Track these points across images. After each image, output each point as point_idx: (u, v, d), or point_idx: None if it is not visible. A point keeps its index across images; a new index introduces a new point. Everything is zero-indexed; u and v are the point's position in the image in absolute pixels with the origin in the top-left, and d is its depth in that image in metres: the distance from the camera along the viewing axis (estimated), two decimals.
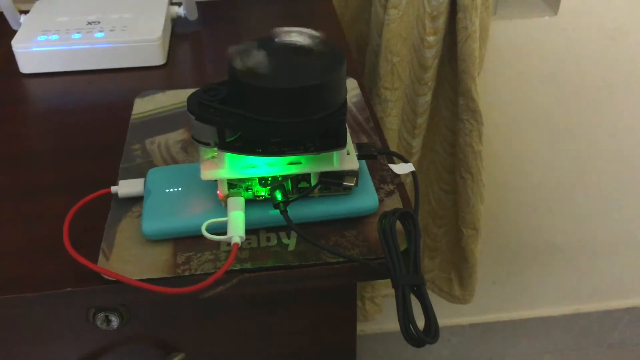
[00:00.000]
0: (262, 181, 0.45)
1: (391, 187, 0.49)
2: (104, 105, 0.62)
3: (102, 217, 0.47)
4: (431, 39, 0.84)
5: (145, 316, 0.52)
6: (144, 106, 0.60)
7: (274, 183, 0.45)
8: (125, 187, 0.48)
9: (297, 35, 0.44)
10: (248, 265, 0.43)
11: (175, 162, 0.53)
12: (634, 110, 1.06)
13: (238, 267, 0.43)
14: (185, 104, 0.43)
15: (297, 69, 0.42)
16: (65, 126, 0.59)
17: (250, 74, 0.41)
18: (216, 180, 0.46)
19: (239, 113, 0.42)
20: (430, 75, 0.87)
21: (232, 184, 0.45)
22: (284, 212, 0.44)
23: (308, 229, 0.46)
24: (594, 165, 1.13)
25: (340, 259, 0.44)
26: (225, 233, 0.43)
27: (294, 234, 0.46)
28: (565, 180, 1.14)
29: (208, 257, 0.44)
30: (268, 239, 0.45)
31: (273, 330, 0.55)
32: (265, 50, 0.43)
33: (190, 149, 0.54)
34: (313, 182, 0.45)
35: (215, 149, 0.44)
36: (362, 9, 0.89)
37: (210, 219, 0.44)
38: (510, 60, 0.98)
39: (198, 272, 0.43)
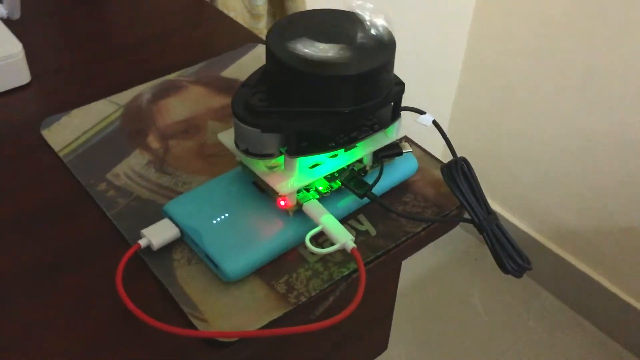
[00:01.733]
0: (329, 177, 0.41)
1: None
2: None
3: (131, 281, 0.38)
4: None
5: None
6: (61, 137, 0.49)
7: (343, 174, 0.42)
8: (157, 236, 0.40)
9: (332, 13, 0.40)
10: (353, 266, 0.40)
11: (162, 187, 0.45)
12: None
13: (346, 271, 0.40)
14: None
15: (359, 51, 0.38)
16: None
17: (315, 64, 0.37)
18: (264, 192, 0.41)
19: (310, 111, 0.37)
20: (263, 24, 0.84)
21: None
22: (371, 195, 0.41)
23: (367, 209, 0.44)
24: None
25: (424, 224, 0.43)
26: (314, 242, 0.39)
27: (364, 220, 0.43)
28: None
29: (305, 274, 0.40)
30: None
31: None
32: (311, 33, 0.39)
33: (166, 167, 0.46)
34: (366, 161, 0.43)
35: (274, 159, 0.39)
36: None
37: (287, 234, 0.40)
38: None
39: (313, 294, 0.39)
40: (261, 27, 0.83)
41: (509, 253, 0.44)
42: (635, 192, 1.19)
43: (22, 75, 0.54)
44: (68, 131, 0.49)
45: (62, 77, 0.56)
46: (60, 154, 0.47)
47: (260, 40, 0.61)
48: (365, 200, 0.43)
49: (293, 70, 0.37)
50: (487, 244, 0.44)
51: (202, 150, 0.48)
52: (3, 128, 0.50)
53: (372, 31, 0.39)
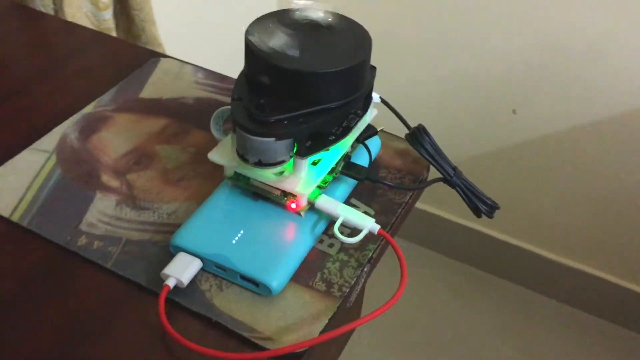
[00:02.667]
0: (331, 170, 0.43)
1: None
2: None
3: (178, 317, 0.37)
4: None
5: None
6: (3, 202, 0.43)
7: (339, 164, 0.43)
8: (182, 272, 0.38)
9: (310, 12, 0.41)
10: (372, 247, 0.42)
11: (148, 223, 0.43)
12: None
13: (369, 253, 0.42)
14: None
15: (342, 46, 0.40)
16: None
17: (313, 64, 0.38)
18: (267, 200, 0.41)
19: (311, 111, 0.38)
20: (110, 14, 0.79)
21: None
22: (372, 176, 0.43)
23: (355, 193, 0.46)
24: None
25: (410, 193, 0.46)
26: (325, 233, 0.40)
27: (358, 203, 0.45)
28: None
29: (335, 267, 0.41)
30: None
31: None
32: (291, 33, 0.39)
33: (140, 202, 0.44)
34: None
35: (281, 166, 0.39)
36: None
37: (307, 234, 0.41)
38: None
39: (352, 282, 0.40)
40: (108, 18, 0.77)
41: (480, 198, 0.49)
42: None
43: None
44: (6, 193, 0.44)
45: None
46: (14, 219, 0.42)
47: (158, 55, 0.58)
48: (353, 183, 0.45)
49: (294, 73, 0.37)
50: (461, 195, 0.49)
51: (167, 176, 0.46)
52: None
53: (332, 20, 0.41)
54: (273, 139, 0.37)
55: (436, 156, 0.48)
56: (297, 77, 0.37)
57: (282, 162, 0.39)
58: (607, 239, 1.29)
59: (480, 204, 0.49)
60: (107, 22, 0.78)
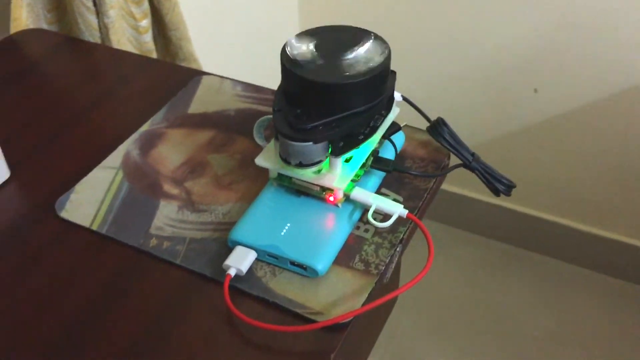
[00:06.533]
0: (363, 165, 0.49)
1: None
2: (19, 252, 0.49)
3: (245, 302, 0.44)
4: (144, 22, 0.83)
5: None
6: (83, 213, 0.51)
7: (369, 159, 0.49)
8: (240, 262, 0.45)
9: (331, 30, 0.47)
10: (402, 230, 0.48)
11: (206, 223, 0.49)
12: None
13: (400, 235, 0.48)
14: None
15: (365, 58, 0.45)
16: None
17: (341, 77, 0.44)
18: (308, 196, 0.48)
19: (343, 116, 0.44)
20: (149, 36, 0.87)
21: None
22: (399, 167, 0.49)
23: (384, 183, 0.52)
24: None
25: (433, 179, 0.52)
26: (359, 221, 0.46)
27: (388, 192, 0.51)
28: None
29: (371, 249, 0.47)
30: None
31: None
32: (320, 50, 0.45)
33: (198, 206, 0.51)
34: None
35: (319, 165, 0.46)
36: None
37: (344, 222, 0.47)
38: None
39: (387, 260, 0.46)
40: (148, 40, 0.85)
41: (497, 178, 0.54)
42: None
43: (1, 172, 0.54)
44: (85, 207, 0.51)
45: (37, 160, 0.56)
46: (94, 228, 0.49)
47: (200, 73, 0.65)
48: (382, 174, 0.51)
49: (326, 86, 0.43)
50: (480, 178, 0.54)
51: (219, 181, 0.53)
52: (16, 225, 0.50)
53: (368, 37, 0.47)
54: (311, 142, 0.43)
55: (455, 144, 0.53)
56: (328, 89, 0.43)
57: (320, 161, 0.45)
58: (632, 206, 1.32)
59: (498, 184, 0.54)
60: (147, 44, 0.85)
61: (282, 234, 0.46)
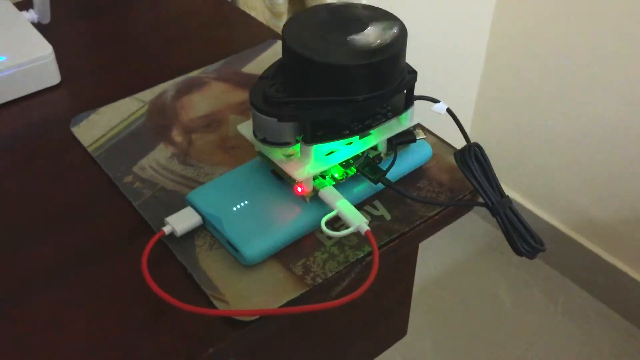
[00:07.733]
0: (344, 164, 0.43)
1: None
2: (25, 149, 0.51)
3: (156, 267, 0.41)
4: None
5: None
6: (89, 134, 0.51)
7: (358, 161, 0.43)
8: (180, 223, 0.42)
9: (347, 6, 0.41)
10: (368, 249, 0.42)
11: (186, 178, 0.47)
12: None
13: (361, 254, 0.42)
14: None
15: (370, 40, 0.40)
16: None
17: (329, 54, 0.38)
18: (282, 180, 0.43)
19: (325, 100, 0.39)
20: (284, 22, 0.86)
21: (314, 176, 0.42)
22: (385, 181, 0.42)
23: (383, 195, 0.45)
24: None
25: (438, 209, 0.45)
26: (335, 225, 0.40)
27: (379, 205, 0.45)
28: None
29: (321, 257, 0.41)
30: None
31: None
32: (324, 25, 0.40)
33: (190, 159, 0.48)
34: (381, 148, 0.45)
35: (291, 147, 0.41)
36: None
37: (303, 219, 0.42)
38: None
39: (329, 275, 0.40)
40: (282, 25, 0.85)
41: (522, 235, 0.45)
42: None
43: (52, 76, 0.56)
44: (96, 128, 0.52)
45: (90, 77, 0.58)
46: (90, 149, 0.50)
47: (279, 37, 0.63)
48: (380, 186, 0.44)
49: (307, 60, 0.38)
50: (501, 227, 0.45)
51: (224, 143, 0.50)
52: (36, 126, 0.52)
53: (383, 21, 0.41)
54: (275, 119, 0.39)
55: (481, 178, 0.45)
56: (306, 65, 0.38)
57: (287, 144, 0.40)
58: None
59: (520, 242, 0.45)
60: (279, 5, 0.84)
61: (235, 209, 0.42)
